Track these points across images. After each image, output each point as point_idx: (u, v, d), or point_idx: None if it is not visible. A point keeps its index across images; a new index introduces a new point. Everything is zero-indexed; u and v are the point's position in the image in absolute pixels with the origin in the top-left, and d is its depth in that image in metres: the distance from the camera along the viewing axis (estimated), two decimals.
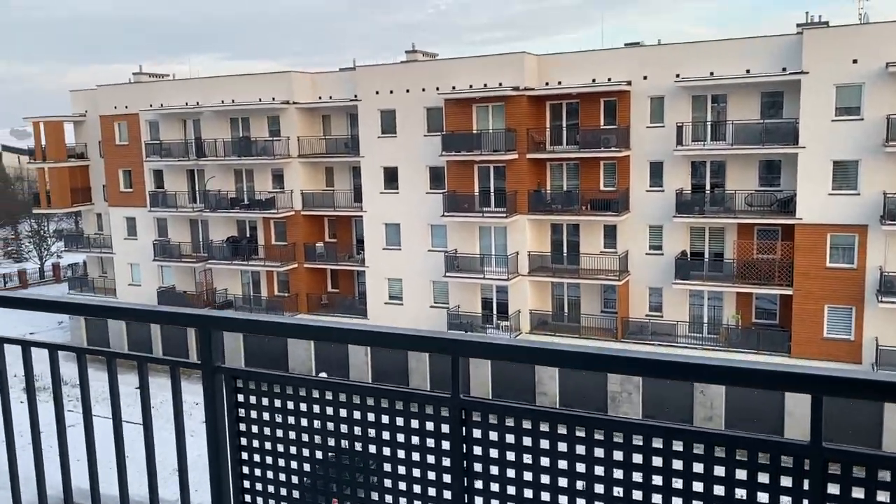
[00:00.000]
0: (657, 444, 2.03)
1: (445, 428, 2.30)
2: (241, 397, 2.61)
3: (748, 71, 33.13)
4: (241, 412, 2.61)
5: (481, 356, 2.20)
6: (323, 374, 39.55)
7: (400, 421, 2.38)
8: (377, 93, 39.68)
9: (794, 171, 32.58)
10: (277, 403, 2.55)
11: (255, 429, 2.62)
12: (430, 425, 2.33)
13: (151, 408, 2.76)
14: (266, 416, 2.57)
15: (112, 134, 47.60)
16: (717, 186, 34.97)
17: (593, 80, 35.86)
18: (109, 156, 48.00)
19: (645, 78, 35.05)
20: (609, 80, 35.55)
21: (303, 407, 2.50)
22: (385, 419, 2.41)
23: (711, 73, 33.71)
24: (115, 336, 47.49)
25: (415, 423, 2.36)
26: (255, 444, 2.63)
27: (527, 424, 2.20)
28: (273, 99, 42.15)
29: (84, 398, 2.81)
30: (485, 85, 36.96)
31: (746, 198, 33.96)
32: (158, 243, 46.62)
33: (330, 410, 2.47)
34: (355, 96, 40.47)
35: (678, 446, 2.00)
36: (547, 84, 36.88)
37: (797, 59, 31.96)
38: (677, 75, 34.12)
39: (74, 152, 51.09)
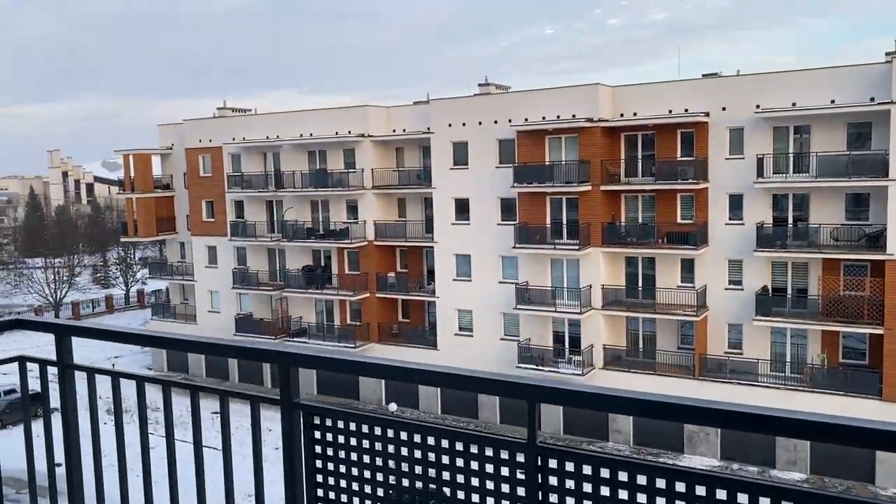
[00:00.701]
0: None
1: (521, 474, 2.27)
2: (317, 434, 2.66)
3: (833, 101, 31.98)
4: (318, 448, 2.66)
5: (559, 403, 2.16)
6: (393, 406, 39.63)
7: (475, 464, 2.35)
8: (450, 125, 40.12)
9: (883, 205, 31.09)
10: (353, 441, 2.58)
11: (330, 465, 2.66)
12: (504, 469, 2.30)
13: (231, 431, 2.84)
14: (342, 453, 2.61)
15: (196, 166, 49.60)
16: (800, 220, 33.67)
17: (670, 112, 35.30)
18: (193, 187, 49.97)
19: (724, 109, 34.28)
20: (686, 111, 34.93)
21: (378, 446, 2.53)
22: (459, 462, 2.39)
23: (794, 104, 32.68)
24: (195, 360, 48.99)
25: (489, 468, 2.33)
26: (331, 480, 2.67)
27: (604, 472, 2.12)
28: (349, 132, 43.17)
29: (168, 427, 2.92)
30: (558, 116, 36.88)
31: (832, 232, 32.57)
32: (237, 271, 48.04)
33: (405, 450, 2.49)
34: (428, 129, 41.03)
35: None
36: (622, 115, 36.52)
37: (886, 88, 30.68)
38: (757, 106, 33.24)
39: (161, 183, 53.44)
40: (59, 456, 3.21)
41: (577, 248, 36.54)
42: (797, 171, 33.31)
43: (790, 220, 33.92)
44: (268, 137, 46.16)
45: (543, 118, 37.20)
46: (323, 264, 45.81)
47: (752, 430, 1.89)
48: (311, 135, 44.57)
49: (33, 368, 3.31)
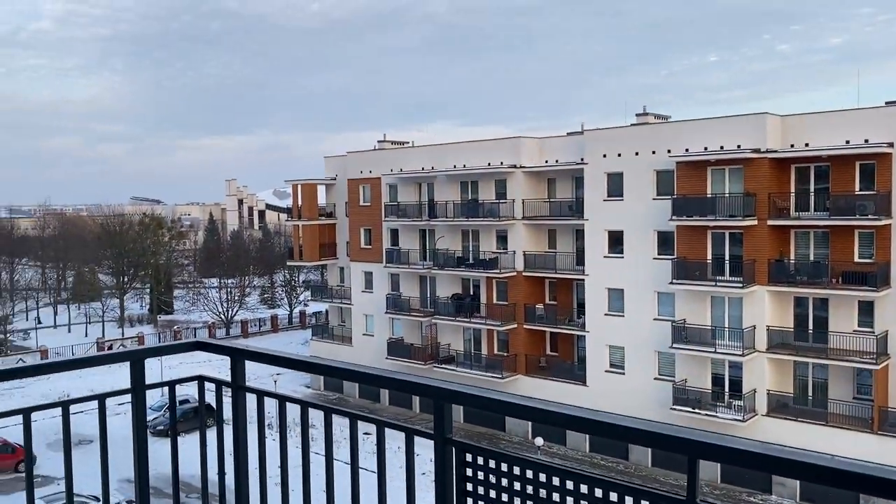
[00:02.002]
0: None
1: None
2: (469, 471, 2.69)
3: None
4: (469, 486, 2.69)
5: (721, 461, 2.06)
6: (539, 440, 38.93)
7: None
8: (604, 156, 39.39)
9: None
10: (504, 482, 2.60)
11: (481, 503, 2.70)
12: None
13: (385, 451, 3.00)
14: (493, 493, 2.63)
15: (357, 196, 52.01)
16: None
17: (847, 142, 32.65)
18: (353, 215, 52.38)
19: None
20: (866, 141, 32.16)
21: (529, 489, 2.54)
22: None
23: None
24: (349, 382, 50.86)
25: None
26: None
27: None
28: (501, 163, 43.55)
29: (328, 450, 3.09)
30: (721, 147, 35.17)
31: None
32: (391, 297, 49.58)
33: (556, 496, 2.47)
34: (582, 159, 40.52)
35: None
36: (792, 146, 34.23)
37: None
38: None
39: (325, 211, 56.59)
40: (219, 466, 3.54)
41: (740, 285, 34.44)
42: None
43: None
44: (423, 169, 47.56)
45: (705, 148, 35.63)
46: (472, 293, 46.25)
47: None
48: (463, 166, 45.41)
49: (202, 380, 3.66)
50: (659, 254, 37.82)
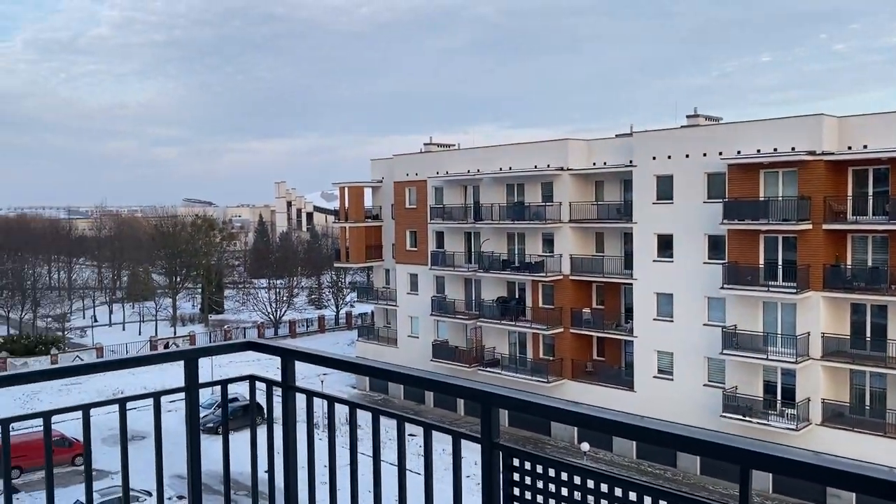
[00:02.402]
0: None
1: None
2: (516, 476, 2.67)
3: None
4: (516, 491, 2.68)
5: (774, 471, 2.01)
6: (585, 445, 38.49)
7: None
8: (654, 158, 38.81)
9: None
10: (552, 488, 2.57)
11: None
12: None
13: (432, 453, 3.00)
14: (540, 498, 2.61)
15: (403, 198, 52.28)
16: None
17: None
18: (399, 218, 52.66)
19: None
20: None
21: (577, 495, 2.51)
22: None
23: None
24: (394, 384, 51.09)
25: None
26: None
27: None
28: (548, 166, 43.26)
29: (375, 451, 3.14)
30: (775, 149, 34.33)
31: None
32: (436, 299, 49.68)
33: (605, 503, 2.44)
34: (630, 162, 40.00)
35: None
36: (849, 148, 33.21)
37: None
38: None
39: (371, 214, 57.03)
40: (269, 464, 3.60)
41: (794, 291, 33.54)
42: None
43: None
44: (469, 171, 47.54)
45: (758, 151, 34.82)
46: (517, 296, 46.03)
47: None
48: (510, 168, 45.24)
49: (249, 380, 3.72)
50: (709, 258, 37.07)
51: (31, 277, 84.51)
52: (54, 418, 3.22)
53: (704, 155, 36.90)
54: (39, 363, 60.25)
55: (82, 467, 3.59)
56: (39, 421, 3.22)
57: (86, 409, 3.29)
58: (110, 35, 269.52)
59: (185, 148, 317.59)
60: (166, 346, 68.02)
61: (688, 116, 40.47)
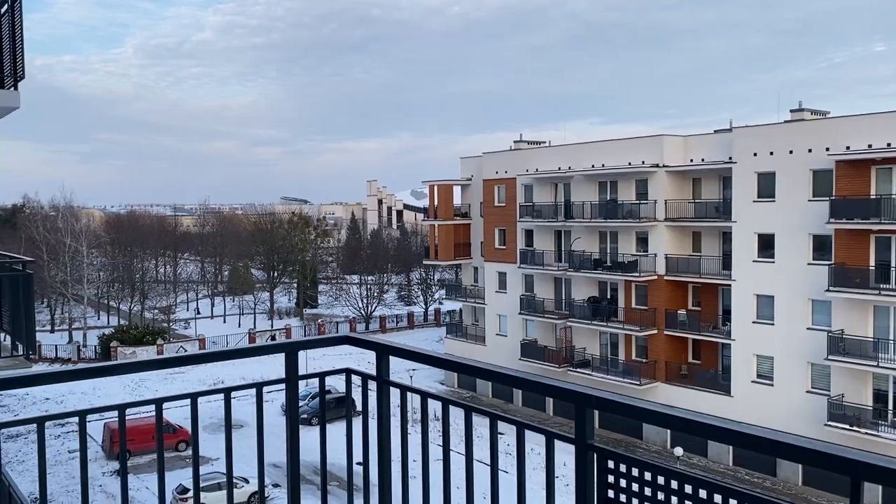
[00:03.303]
0: None
1: None
2: (611, 478, 2.63)
3: None
4: (611, 493, 2.64)
5: (893, 485, 1.89)
6: (678, 450, 37.43)
7: None
8: (755, 154, 37.21)
9: None
10: (647, 491, 2.53)
11: None
12: None
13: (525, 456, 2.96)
14: (635, 501, 2.57)
15: (492, 196, 52.21)
16: None
17: None
18: (488, 216, 52.63)
19: None
20: None
21: (674, 500, 2.46)
22: None
23: None
24: (482, 381, 51.13)
25: None
26: None
27: None
28: (642, 162, 42.19)
29: (468, 448, 3.13)
30: (888, 144, 32.28)
31: None
32: (525, 298, 49.37)
33: None
34: (730, 158, 38.50)
35: None
36: None
37: None
38: None
39: (459, 212, 57.27)
40: (359, 456, 3.72)
41: None
42: None
43: None
44: (559, 168, 46.98)
45: (869, 146, 32.82)
46: (609, 296, 45.15)
47: None
48: (602, 165, 44.40)
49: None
50: (814, 259, 35.26)
51: (140, 271, 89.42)
52: None
53: (810, 151, 35.10)
54: (146, 353, 63.69)
55: (185, 452, 3.74)
56: (146, 406, 3.37)
57: (194, 397, 3.44)
58: (213, 39, 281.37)
59: (283, 148, 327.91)
60: (273, 338, 70.54)
61: (792, 111, 38.57)
